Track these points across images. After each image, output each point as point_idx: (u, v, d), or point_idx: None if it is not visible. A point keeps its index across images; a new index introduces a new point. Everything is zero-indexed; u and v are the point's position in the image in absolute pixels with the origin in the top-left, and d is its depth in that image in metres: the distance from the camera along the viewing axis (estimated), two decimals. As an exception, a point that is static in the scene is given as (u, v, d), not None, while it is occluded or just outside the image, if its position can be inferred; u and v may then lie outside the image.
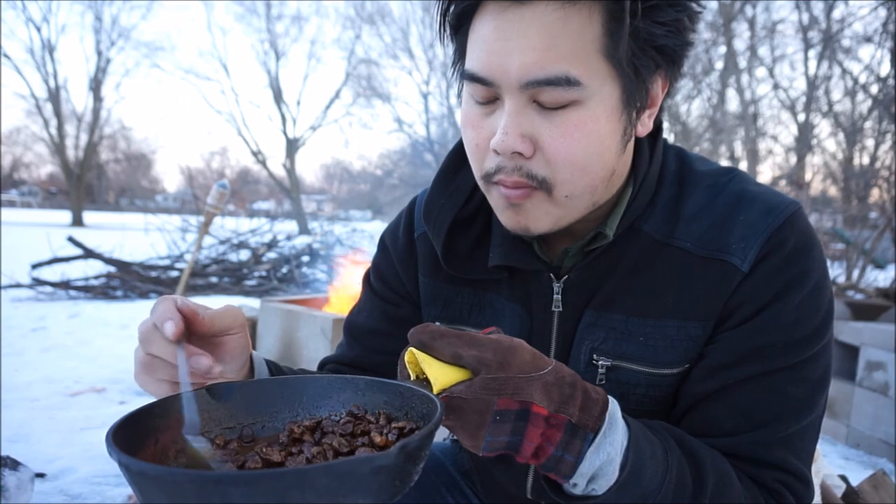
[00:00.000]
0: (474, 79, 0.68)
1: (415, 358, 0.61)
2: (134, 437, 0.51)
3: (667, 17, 0.65)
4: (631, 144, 0.74)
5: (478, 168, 0.73)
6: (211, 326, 0.65)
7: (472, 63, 0.68)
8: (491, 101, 0.69)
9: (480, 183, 0.74)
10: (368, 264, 1.00)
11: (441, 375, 0.59)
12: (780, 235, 0.71)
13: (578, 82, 0.64)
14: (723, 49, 11.64)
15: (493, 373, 0.58)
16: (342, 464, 0.42)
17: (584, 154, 0.67)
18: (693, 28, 0.69)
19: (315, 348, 2.84)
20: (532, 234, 0.73)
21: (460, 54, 0.73)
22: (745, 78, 12.94)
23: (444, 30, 0.73)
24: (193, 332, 0.64)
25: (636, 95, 0.68)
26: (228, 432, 0.59)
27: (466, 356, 0.59)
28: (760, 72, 13.38)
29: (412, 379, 0.62)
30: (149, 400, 0.57)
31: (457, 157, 0.87)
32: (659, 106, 0.73)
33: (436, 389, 0.58)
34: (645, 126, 0.73)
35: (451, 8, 0.70)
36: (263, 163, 29.98)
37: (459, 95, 0.77)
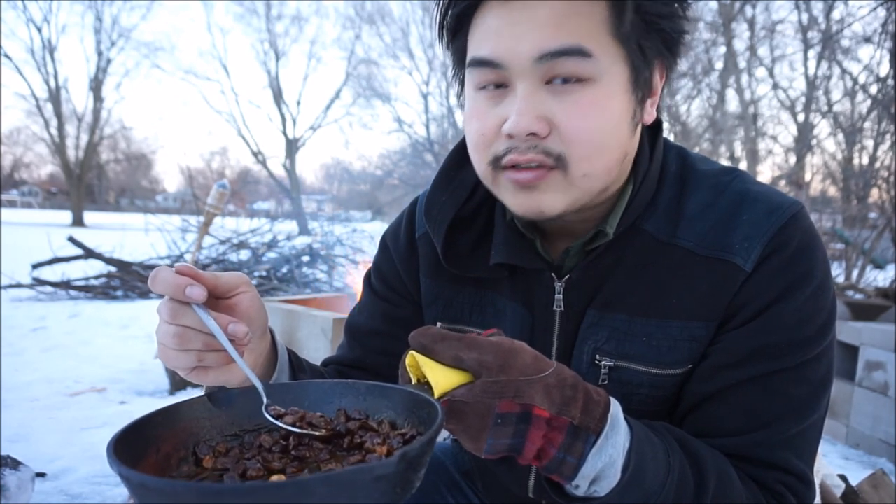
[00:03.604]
0: (483, 63, 0.68)
1: (415, 362, 0.61)
2: (135, 446, 0.51)
3: None
4: (639, 131, 0.75)
5: (483, 156, 0.72)
6: (217, 283, 0.65)
7: (479, 49, 0.68)
8: (499, 87, 0.69)
9: (486, 171, 0.73)
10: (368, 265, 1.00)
11: (442, 379, 0.59)
12: (783, 235, 0.71)
13: (591, 55, 0.65)
14: (723, 49, 11.64)
15: (494, 376, 0.58)
16: (342, 474, 0.42)
17: (600, 132, 0.67)
18: (685, 16, 0.71)
19: (315, 348, 2.84)
20: (545, 217, 0.71)
21: (459, 54, 0.73)
22: (744, 78, 12.95)
23: (443, 31, 0.73)
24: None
25: (643, 77, 0.70)
26: (230, 440, 0.59)
27: (467, 359, 0.59)
28: (760, 72, 13.40)
29: (413, 383, 0.62)
30: (149, 400, 0.57)
31: (458, 156, 0.87)
32: (659, 96, 0.75)
33: (437, 393, 0.58)
34: (649, 114, 0.74)
35: (452, 8, 0.70)
36: (263, 163, 30.02)
37: (460, 96, 0.77)
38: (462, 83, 0.77)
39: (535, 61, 0.65)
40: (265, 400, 0.60)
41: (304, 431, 0.57)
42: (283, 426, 0.57)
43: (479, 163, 0.74)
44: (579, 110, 0.66)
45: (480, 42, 0.68)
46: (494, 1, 0.67)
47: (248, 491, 0.40)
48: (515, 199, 0.72)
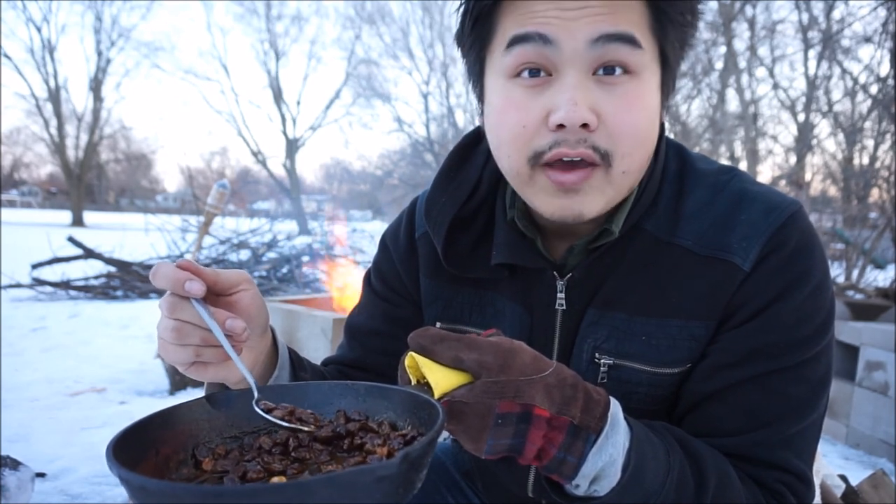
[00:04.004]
0: (530, 38, 0.65)
1: (415, 363, 0.61)
2: (134, 449, 0.50)
3: (694, 4, 0.69)
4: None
5: (522, 151, 0.68)
6: (217, 280, 0.65)
7: (524, 26, 0.65)
8: (534, 75, 0.67)
9: (523, 168, 0.69)
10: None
11: (442, 380, 0.59)
12: (781, 235, 0.71)
13: (641, 46, 0.65)
14: (723, 49, 11.63)
15: (494, 376, 0.58)
16: (344, 475, 0.42)
17: (644, 126, 0.68)
18: (698, 12, 0.71)
19: (315, 348, 2.84)
20: (583, 220, 0.70)
21: (482, 41, 0.71)
22: (745, 78, 12.95)
23: (467, 16, 0.71)
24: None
25: (670, 76, 0.71)
26: (229, 441, 0.59)
27: (467, 360, 0.59)
28: (760, 72, 13.39)
29: (413, 384, 0.62)
30: (149, 400, 0.57)
31: (458, 156, 0.87)
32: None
33: (437, 394, 0.58)
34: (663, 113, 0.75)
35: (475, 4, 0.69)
36: (263, 163, 30.04)
37: (476, 88, 0.76)
38: (479, 74, 0.75)
39: (591, 43, 0.64)
40: (255, 395, 0.60)
41: (293, 426, 0.57)
42: (272, 419, 0.57)
43: (515, 159, 0.70)
44: (626, 104, 0.66)
45: (525, 20, 0.65)
46: None
47: (249, 493, 0.40)
48: (553, 202, 0.69)
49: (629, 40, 0.65)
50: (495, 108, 0.70)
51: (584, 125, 0.65)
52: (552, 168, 0.67)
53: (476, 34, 0.72)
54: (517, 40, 0.66)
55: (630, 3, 0.65)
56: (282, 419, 0.57)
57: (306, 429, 0.57)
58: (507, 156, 0.71)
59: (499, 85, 0.70)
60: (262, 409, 0.59)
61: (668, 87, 0.72)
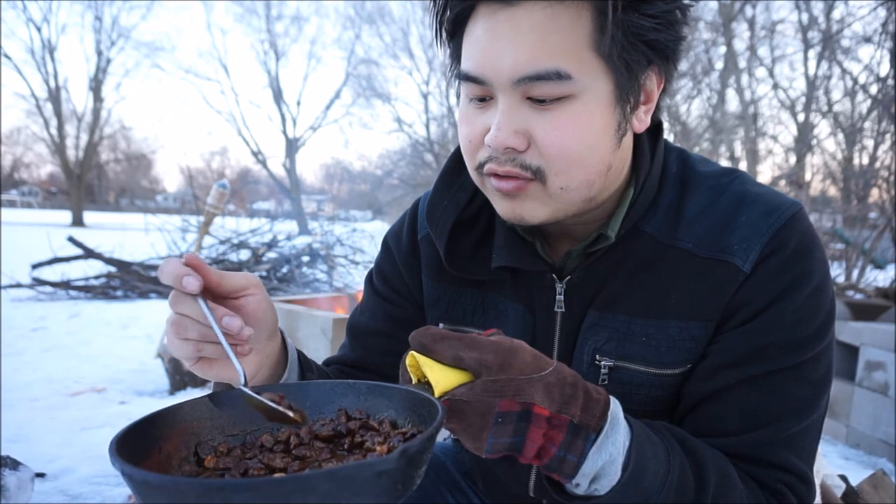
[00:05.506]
0: (468, 78, 0.69)
1: (416, 362, 0.61)
2: (137, 446, 0.51)
3: (656, 10, 0.65)
4: (628, 140, 0.74)
5: (470, 162, 0.74)
6: (220, 281, 0.66)
7: (466, 63, 0.70)
8: (485, 99, 0.70)
9: (474, 175, 0.76)
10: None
11: (442, 378, 0.59)
12: (781, 236, 0.71)
13: (570, 76, 0.65)
14: (723, 49, 11.64)
15: (494, 375, 0.58)
16: (344, 469, 0.42)
17: (578, 147, 0.67)
18: (685, 21, 0.69)
19: (315, 348, 2.84)
20: (527, 224, 0.73)
21: (456, 56, 0.74)
22: (744, 78, 12.95)
23: (441, 34, 0.74)
24: (207, 289, 0.65)
25: (629, 91, 0.69)
26: (232, 440, 0.59)
27: (467, 358, 0.59)
28: (760, 72, 13.39)
29: (414, 383, 0.62)
30: (149, 400, 0.58)
31: (459, 158, 0.87)
32: (655, 102, 0.73)
33: (437, 392, 0.58)
34: (641, 122, 0.73)
35: (447, 13, 0.71)
36: (263, 163, 30.08)
37: (458, 94, 0.78)
38: (458, 79, 0.77)
39: (515, 83, 0.66)
40: (243, 381, 0.61)
41: (279, 408, 0.58)
42: (261, 399, 0.58)
43: (470, 166, 0.76)
44: (557, 127, 0.66)
45: (468, 54, 0.69)
46: (484, 7, 0.67)
47: (249, 486, 0.40)
48: (499, 205, 0.74)
49: (553, 77, 0.64)
50: (458, 118, 0.76)
51: (512, 148, 0.68)
52: (492, 176, 0.71)
53: (451, 51, 0.75)
54: (460, 77, 0.71)
55: (564, 23, 0.64)
56: (272, 400, 0.59)
57: (291, 414, 0.58)
58: (467, 162, 0.76)
59: (462, 100, 0.74)
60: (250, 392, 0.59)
61: (631, 97, 0.69)
